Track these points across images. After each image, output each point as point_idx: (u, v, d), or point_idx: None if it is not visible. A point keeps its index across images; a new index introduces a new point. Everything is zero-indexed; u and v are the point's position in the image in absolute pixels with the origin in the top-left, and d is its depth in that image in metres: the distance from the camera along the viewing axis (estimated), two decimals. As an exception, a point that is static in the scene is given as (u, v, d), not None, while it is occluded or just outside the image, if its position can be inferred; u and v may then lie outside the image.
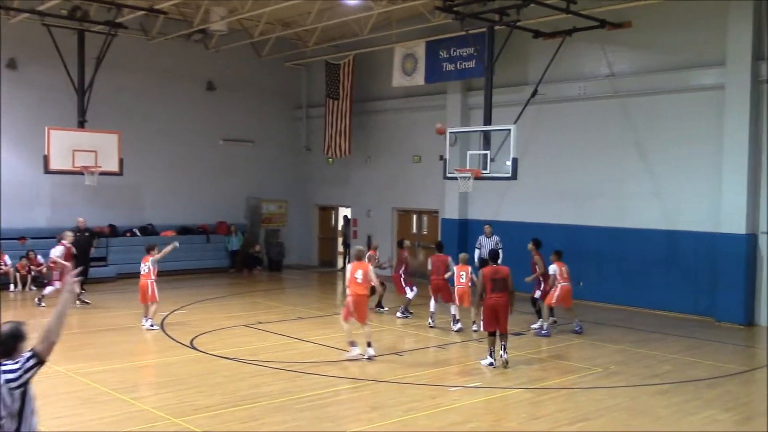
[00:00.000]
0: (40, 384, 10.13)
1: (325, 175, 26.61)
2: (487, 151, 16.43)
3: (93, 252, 20.07)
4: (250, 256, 25.21)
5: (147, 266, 14.74)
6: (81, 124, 20.07)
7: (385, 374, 11.10)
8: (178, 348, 12.81)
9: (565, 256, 14.78)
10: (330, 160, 25.55)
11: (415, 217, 23.93)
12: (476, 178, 16.49)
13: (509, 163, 15.81)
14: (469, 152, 17.10)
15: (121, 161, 20.01)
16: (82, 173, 19.41)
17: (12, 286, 19.62)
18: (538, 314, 14.91)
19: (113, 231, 23.02)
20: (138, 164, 22.28)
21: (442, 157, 17.84)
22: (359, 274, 11.86)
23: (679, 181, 17.25)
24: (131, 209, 23.75)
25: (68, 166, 19.18)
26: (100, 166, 19.51)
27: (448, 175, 17.16)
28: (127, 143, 20.63)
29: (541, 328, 14.54)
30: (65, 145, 19.08)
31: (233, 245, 24.89)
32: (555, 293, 14.40)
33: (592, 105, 18.86)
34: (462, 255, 15.43)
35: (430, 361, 12.65)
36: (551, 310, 14.88)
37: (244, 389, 10.11)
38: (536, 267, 15.18)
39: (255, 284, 22.40)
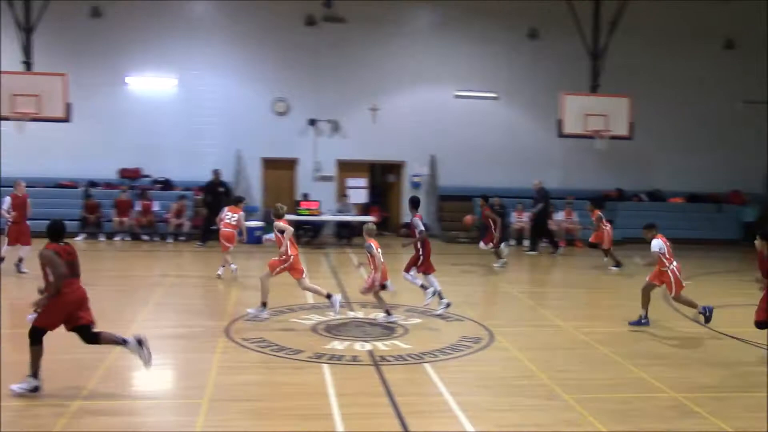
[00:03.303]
0: (543, 337, 10.77)
1: None
2: None
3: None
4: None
5: None
6: (593, 89, 20.50)
7: None
8: (681, 320, 12.31)
9: None
10: None
11: None
12: None
13: None
14: None
15: (631, 125, 19.93)
16: (592, 137, 19.86)
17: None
18: None
19: (621, 195, 23.16)
20: (648, 127, 21.94)
21: None
22: None
23: None
24: (639, 174, 23.58)
25: (580, 130, 19.79)
26: (609, 130, 19.71)
27: None
28: (638, 106, 20.41)
29: None
30: (578, 110, 19.71)
31: (747, 216, 22.90)
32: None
33: None
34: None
35: None
36: None
37: (754, 375, 9.22)
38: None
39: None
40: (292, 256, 11.14)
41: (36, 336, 7.52)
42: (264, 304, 11.13)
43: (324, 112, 23.19)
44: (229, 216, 15.00)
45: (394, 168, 24.40)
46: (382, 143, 23.38)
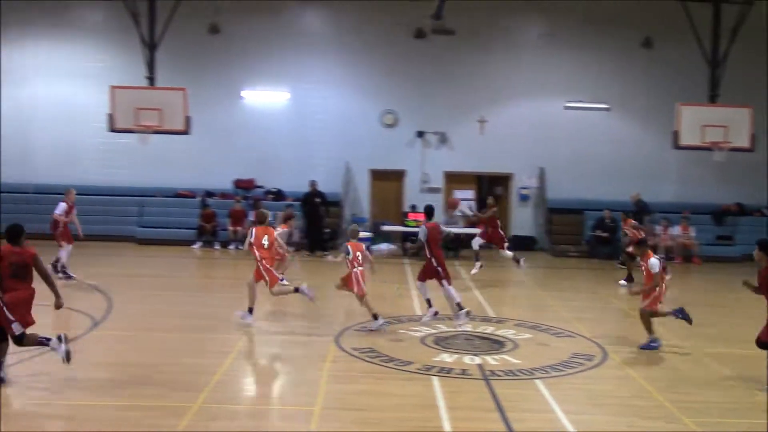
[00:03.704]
0: (659, 356, 10.37)
1: None
2: None
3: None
4: None
5: None
6: (711, 99, 19.68)
7: None
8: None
9: None
10: None
11: None
12: None
13: None
14: None
15: (753, 136, 18.99)
16: (710, 149, 19.05)
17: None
18: None
19: (741, 209, 22.15)
20: (772, 139, 20.91)
21: None
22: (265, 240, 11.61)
23: None
24: (761, 187, 22.44)
25: (697, 142, 19.01)
26: (729, 142, 18.86)
27: None
28: (760, 116, 19.48)
29: None
30: (695, 121, 18.94)
31: None
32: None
33: None
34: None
35: None
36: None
37: None
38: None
39: None
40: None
41: None
42: (296, 289, 11.74)
43: (432, 123, 23.24)
44: (278, 231, 15.18)
45: (501, 180, 24.17)
46: (489, 155, 23.21)
